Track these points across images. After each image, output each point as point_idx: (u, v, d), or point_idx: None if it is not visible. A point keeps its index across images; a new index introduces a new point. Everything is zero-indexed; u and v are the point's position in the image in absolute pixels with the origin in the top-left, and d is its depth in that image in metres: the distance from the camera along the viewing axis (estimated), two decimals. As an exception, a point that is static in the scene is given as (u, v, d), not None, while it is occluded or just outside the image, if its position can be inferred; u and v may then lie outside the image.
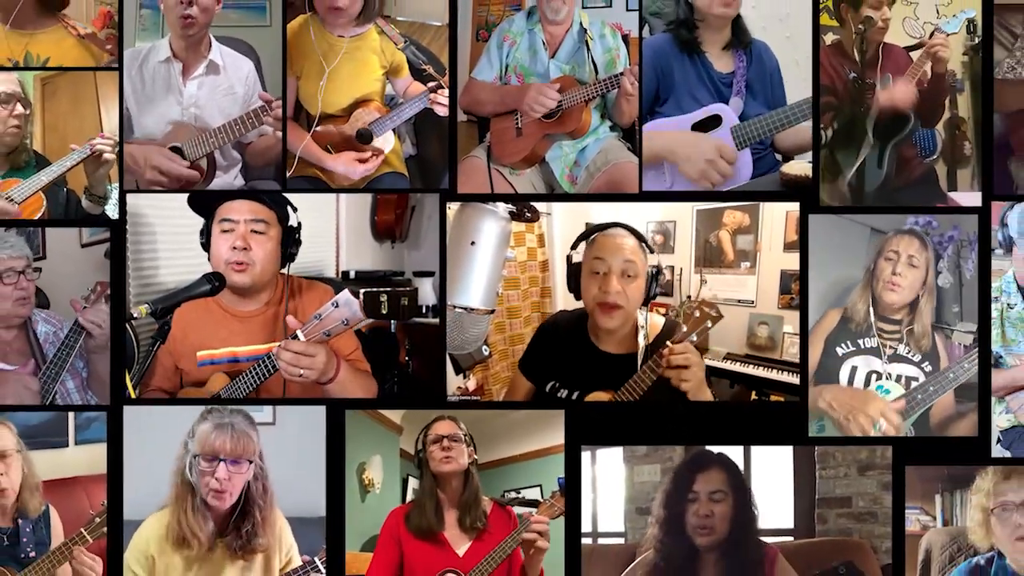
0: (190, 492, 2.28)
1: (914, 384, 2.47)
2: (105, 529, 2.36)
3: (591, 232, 2.46)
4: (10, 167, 2.46)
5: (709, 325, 2.32)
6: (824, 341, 2.50)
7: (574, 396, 2.45)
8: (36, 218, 2.48)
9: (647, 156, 2.51)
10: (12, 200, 2.43)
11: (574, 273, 2.47)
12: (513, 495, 2.53)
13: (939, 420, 2.47)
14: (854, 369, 2.49)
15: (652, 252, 2.44)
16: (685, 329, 2.32)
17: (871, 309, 2.48)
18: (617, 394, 2.37)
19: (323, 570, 2.34)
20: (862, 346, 2.48)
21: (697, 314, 2.32)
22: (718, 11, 2.49)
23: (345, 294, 2.22)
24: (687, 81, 2.53)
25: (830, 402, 2.48)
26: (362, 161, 2.59)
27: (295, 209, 2.46)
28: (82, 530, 2.31)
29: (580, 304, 2.47)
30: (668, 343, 2.32)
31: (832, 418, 2.49)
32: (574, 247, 2.48)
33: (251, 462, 2.31)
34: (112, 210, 2.50)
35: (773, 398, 2.68)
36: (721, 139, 2.49)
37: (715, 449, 2.45)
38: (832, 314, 2.51)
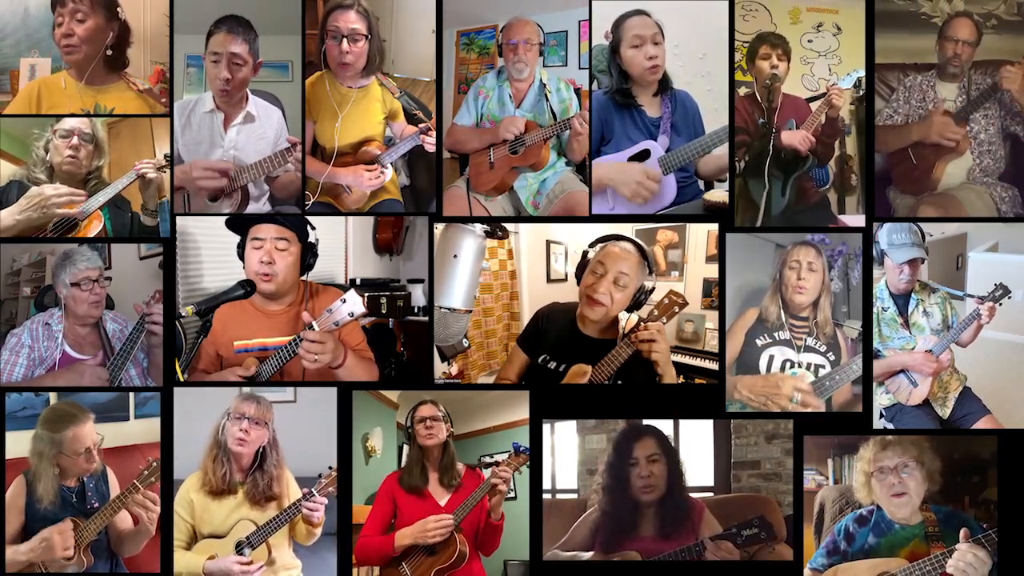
0: (217, 446, 2.58)
1: (821, 371, 2.66)
2: (153, 479, 2.53)
3: (606, 240, 2.62)
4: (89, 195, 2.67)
5: (677, 310, 2.50)
6: (744, 334, 2.69)
7: (560, 368, 2.62)
8: (95, 234, 2.64)
9: (594, 182, 2.71)
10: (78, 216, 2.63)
11: (582, 265, 2.62)
12: (488, 459, 2.69)
13: (840, 403, 2.70)
14: (771, 358, 2.68)
15: (651, 273, 2.58)
16: (657, 312, 2.51)
17: (781, 310, 2.69)
18: (595, 368, 2.53)
19: (316, 494, 2.50)
20: (777, 338, 2.68)
21: (666, 301, 2.51)
22: (649, 78, 2.73)
23: (351, 292, 2.40)
24: (624, 127, 2.74)
25: (747, 394, 2.65)
26: (369, 171, 2.73)
27: (313, 228, 2.64)
28: (135, 481, 2.53)
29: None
30: (641, 321, 2.50)
31: (752, 407, 2.64)
32: (592, 246, 2.63)
33: (267, 426, 2.58)
34: (164, 229, 2.69)
35: (697, 381, 2.81)
36: (647, 166, 2.70)
37: (647, 422, 2.64)
38: (750, 312, 2.70)
